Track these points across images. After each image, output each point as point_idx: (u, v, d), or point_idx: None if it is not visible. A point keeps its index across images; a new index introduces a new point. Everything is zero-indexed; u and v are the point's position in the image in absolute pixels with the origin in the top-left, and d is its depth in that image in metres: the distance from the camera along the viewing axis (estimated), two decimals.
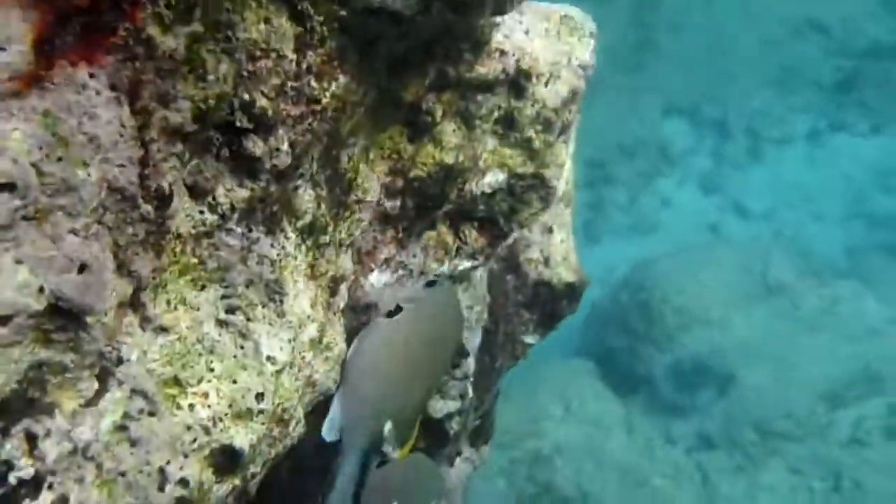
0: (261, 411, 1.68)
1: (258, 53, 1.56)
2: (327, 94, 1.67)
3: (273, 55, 1.58)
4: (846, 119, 13.35)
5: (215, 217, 1.62)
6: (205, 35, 1.47)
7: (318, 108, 1.66)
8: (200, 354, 1.63)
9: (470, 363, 2.44)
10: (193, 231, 1.60)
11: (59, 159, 1.34)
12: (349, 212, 1.88)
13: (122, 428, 1.53)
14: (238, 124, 1.57)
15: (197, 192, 1.59)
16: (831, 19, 14.06)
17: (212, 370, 1.64)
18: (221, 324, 1.65)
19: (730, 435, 8.51)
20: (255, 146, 1.59)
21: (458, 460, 2.92)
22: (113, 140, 1.40)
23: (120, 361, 1.53)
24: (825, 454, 8.42)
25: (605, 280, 10.52)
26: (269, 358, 1.69)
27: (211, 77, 1.50)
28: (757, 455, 8.40)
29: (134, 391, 1.54)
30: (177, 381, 1.60)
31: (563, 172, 2.48)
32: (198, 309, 1.63)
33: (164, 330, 1.59)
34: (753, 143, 13.24)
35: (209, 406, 1.62)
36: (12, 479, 1.40)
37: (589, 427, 8.40)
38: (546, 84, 2.09)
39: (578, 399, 8.60)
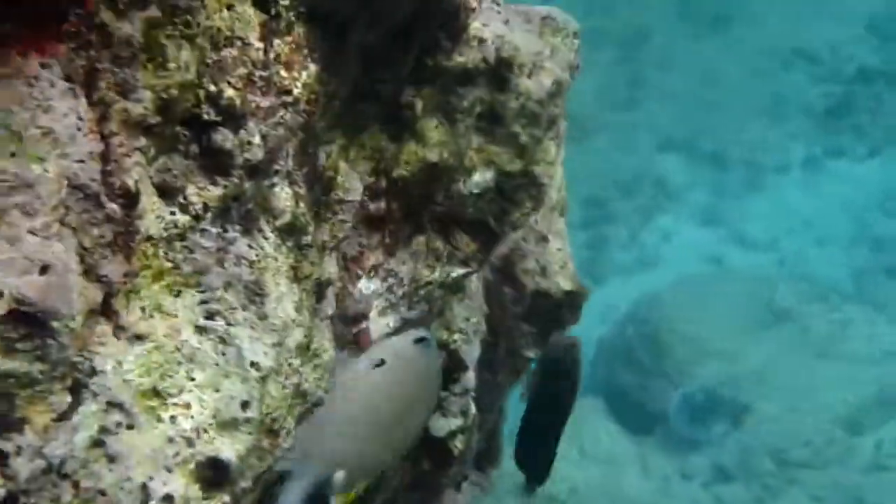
0: (247, 420, 1.58)
1: (222, 41, 1.50)
2: (298, 84, 1.60)
3: (238, 43, 1.52)
4: (842, 144, 13.36)
5: (187, 218, 1.54)
6: (162, 20, 1.41)
7: (290, 99, 1.59)
8: (180, 363, 1.54)
9: (470, 377, 2.34)
10: (165, 233, 1.52)
11: (13, 154, 1.27)
12: (331, 212, 1.81)
13: (98, 443, 1.44)
14: (205, 117, 1.50)
15: (166, 192, 1.52)
16: (818, 47, 14.13)
17: (192, 379, 1.55)
18: (200, 330, 1.57)
19: (747, 467, 8.37)
20: (225, 140, 1.52)
21: (464, 485, 2.81)
22: (70, 134, 1.33)
23: (93, 372, 1.44)
24: (846, 481, 8.27)
25: (609, 318, 10.43)
26: (252, 364, 1.60)
27: (172, 65, 1.43)
28: (776, 485, 8.26)
29: (110, 403, 1.45)
30: (156, 392, 1.51)
31: (555, 176, 2.41)
32: (175, 315, 1.54)
33: (139, 338, 1.50)
34: (751, 174, 13.22)
35: (192, 417, 1.53)
36: None
37: (603, 467, 8.26)
38: (529, 75, 2.02)
39: (591, 439, 8.47)
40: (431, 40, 1.83)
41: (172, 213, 1.53)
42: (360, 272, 1.94)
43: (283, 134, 1.60)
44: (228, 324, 1.59)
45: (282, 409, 1.66)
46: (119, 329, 1.48)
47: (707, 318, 9.25)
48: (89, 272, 1.41)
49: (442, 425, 2.32)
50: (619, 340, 9.47)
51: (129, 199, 1.45)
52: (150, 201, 1.49)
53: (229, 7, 1.50)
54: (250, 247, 1.61)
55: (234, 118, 1.52)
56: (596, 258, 11.53)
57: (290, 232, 1.68)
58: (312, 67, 1.62)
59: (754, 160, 13.32)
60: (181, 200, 1.54)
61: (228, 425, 1.57)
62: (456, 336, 2.31)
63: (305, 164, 1.70)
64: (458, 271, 2.13)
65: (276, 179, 1.63)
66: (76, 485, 1.41)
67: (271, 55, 1.56)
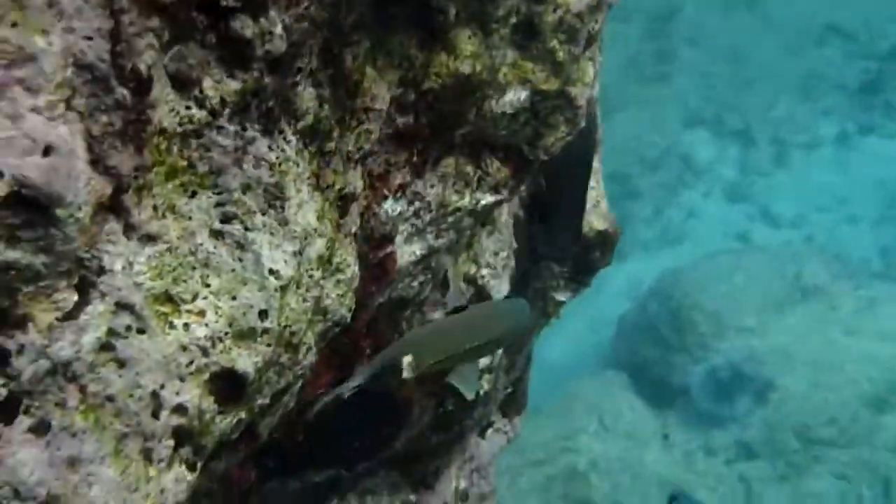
0: (265, 331, 1.49)
1: None
2: None
3: None
4: (874, 121, 13.14)
5: (204, 113, 1.44)
6: None
7: None
8: (194, 268, 1.44)
9: None
10: (180, 128, 1.42)
11: (14, 24, 1.17)
12: (356, 120, 1.70)
13: (107, 346, 1.34)
14: (223, 3, 1.39)
15: (181, 83, 1.41)
16: (853, 23, 13.91)
17: (208, 285, 1.45)
18: (216, 234, 1.47)
19: (771, 443, 8.25)
20: (245, 27, 1.41)
21: (489, 431, 2.71)
22: (76, 6, 1.23)
23: (102, 271, 1.34)
24: (872, 459, 8.14)
25: (633, 294, 10.32)
26: (271, 271, 1.50)
27: None
28: (800, 463, 8.14)
29: (119, 305, 1.35)
30: (168, 297, 1.41)
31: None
32: (189, 217, 1.44)
33: (151, 239, 1.40)
34: (778, 150, 13.05)
35: (206, 325, 1.44)
36: None
37: (625, 441, 8.16)
38: None
39: (613, 413, 8.37)
40: None
41: (188, 107, 1.42)
42: (386, 191, 1.83)
43: (307, 27, 1.49)
44: (246, 228, 1.49)
45: (301, 322, 1.56)
46: (130, 227, 1.38)
47: (732, 293, 9.13)
48: (97, 162, 1.31)
49: None
50: (642, 316, 9.35)
51: (141, 85, 1.35)
52: (163, 91, 1.39)
53: None
54: (270, 148, 1.51)
55: (254, 4, 1.41)
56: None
57: (312, 136, 1.58)
58: None
59: (783, 137, 13.14)
60: (197, 94, 1.43)
61: (245, 335, 1.47)
62: (484, 270, 2.20)
63: (330, 64, 1.60)
64: (488, 198, 2.03)
65: (298, 78, 1.52)
66: (83, 389, 1.31)
67: None
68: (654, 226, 12.15)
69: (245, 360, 1.46)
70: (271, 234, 1.51)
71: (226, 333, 1.45)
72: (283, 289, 1.51)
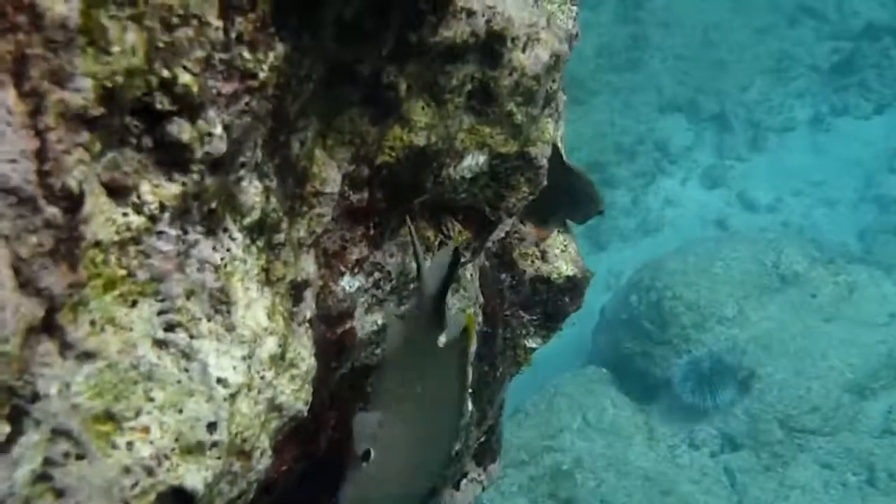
0: (214, 444, 1.42)
1: (175, 21, 1.32)
2: (265, 66, 1.42)
3: (194, 22, 1.33)
4: (848, 102, 13.14)
5: (142, 219, 1.36)
6: None
7: (255, 83, 1.41)
8: (136, 382, 1.37)
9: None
10: (117, 237, 1.34)
11: None
12: (307, 206, 1.63)
13: (43, 477, 1.27)
14: (158, 106, 1.32)
15: (117, 191, 1.34)
16: (824, 3, 13.87)
17: (151, 399, 1.38)
18: (160, 344, 1.40)
19: (755, 434, 8.26)
20: (182, 131, 1.34)
21: (463, 482, 2.66)
22: None
23: (36, 398, 1.27)
24: (857, 447, 8.17)
25: (614, 286, 10.29)
26: (219, 380, 1.43)
27: (116, 49, 1.25)
28: (785, 453, 8.16)
29: (56, 431, 1.28)
30: (110, 416, 1.34)
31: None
32: (130, 329, 1.37)
33: (89, 356, 1.33)
34: (754, 134, 13.04)
35: (151, 442, 1.37)
36: None
37: (609, 437, 8.15)
38: (524, 49, 1.83)
39: (595, 409, 8.35)
40: (414, 13, 1.64)
41: (125, 215, 1.35)
42: (343, 268, 1.77)
43: (248, 122, 1.42)
44: (191, 336, 1.42)
45: (254, 427, 1.50)
46: (65, 347, 1.31)
47: (711, 283, 9.11)
48: (27, 285, 1.24)
49: None
50: (622, 309, 9.32)
51: (72, 202, 1.27)
52: (97, 202, 1.32)
53: None
54: (215, 249, 1.44)
55: (191, 107, 1.34)
56: (598, 224, 11.36)
57: (260, 230, 1.51)
58: (280, 47, 1.43)
59: (759, 120, 13.14)
60: (134, 200, 1.36)
61: (193, 450, 1.40)
62: None
63: (276, 154, 1.53)
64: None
65: (242, 173, 1.46)
66: None
67: (233, 35, 1.38)
68: (633, 215, 12.10)
69: (194, 476, 1.40)
70: (218, 340, 1.44)
71: (172, 450, 1.38)
72: (233, 396, 1.45)
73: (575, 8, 2.13)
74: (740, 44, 13.52)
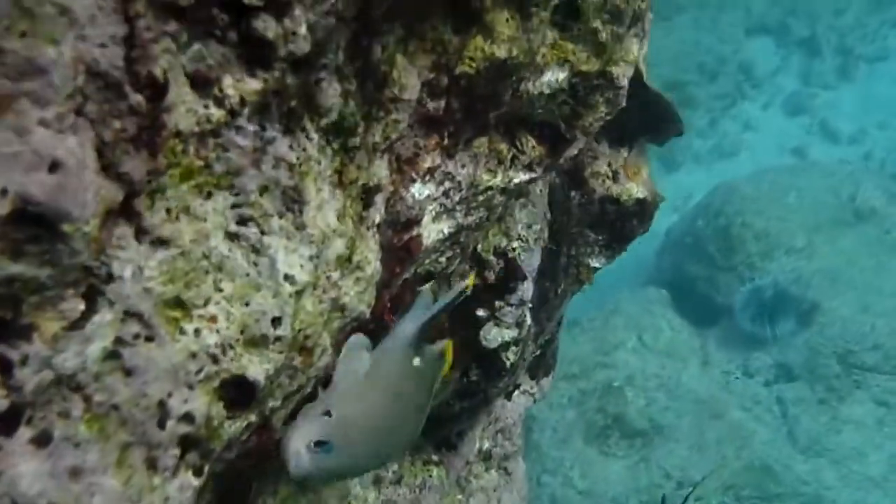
0: (278, 338, 1.46)
1: None
2: None
3: None
4: None
5: (222, 112, 1.38)
6: None
7: None
8: (207, 272, 1.41)
9: (527, 287, 2.19)
10: (197, 128, 1.37)
11: (23, 34, 1.12)
12: (384, 112, 1.63)
13: (114, 355, 1.32)
14: (246, 1, 1.33)
15: (199, 83, 1.36)
16: None
17: (220, 290, 1.42)
18: (231, 237, 1.43)
19: (812, 367, 8.18)
20: (267, 28, 1.35)
21: (516, 393, 2.70)
22: (89, 13, 1.18)
23: (111, 278, 1.31)
24: None
25: (681, 208, 10.17)
26: (287, 277, 1.46)
27: None
28: (841, 388, 8.08)
29: (127, 313, 1.33)
30: (179, 303, 1.38)
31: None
32: (204, 219, 1.40)
33: (163, 243, 1.36)
34: (844, 61, 12.62)
35: (218, 331, 1.41)
36: None
37: (663, 358, 8.14)
38: None
39: (652, 329, 8.33)
40: None
41: (206, 107, 1.37)
42: (414, 175, 1.78)
43: (333, 24, 1.42)
44: (262, 232, 1.45)
45: (317, 325, 1.53)
46: (141, 232, 1.35)
47: (783, 212, 8.96)
48: (109, 168, 1.27)
49: (494, 336, 2.19)
50: (689, 231, 9.22)
51: (157, 90, 1.30)
52: (180, 93, 1.34)
53: None
54: (291, 148, 1.46)
55: (278, 4, 1.35)
56: (672, 144, 11.18)
57: (336, 132, 1.52)
58: None
59: (850, 47, 12.70)
60: (216, 93, 1.38)
61: (257, 342, 1.44)
62: (515, 244, 2.15)
63: (358, 57, 1.53)
64: (521, 176, 1.96)
65: (323, 74, 1.46)
66: (88, 399, 1.30)
67: None
68: (709, 137, 11.90)
69: (256, 368, 1.44)
70: (288, 238, 1.47)
71: (237, 340, 1.42)
72: (299, 294, 1.48)
73: None
74: None
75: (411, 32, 1.64)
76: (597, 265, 2.59)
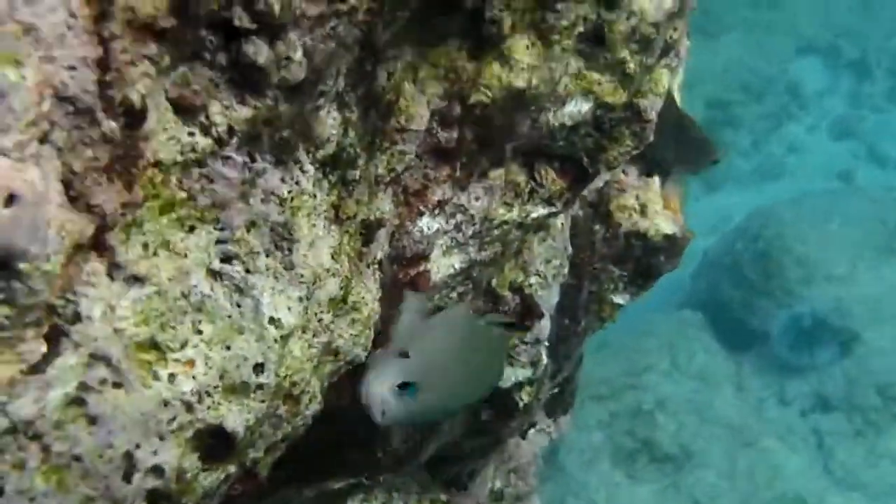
0: (260, 386, 1.35)
1: None
2: None
3: None
4: None
5: (209, 141, 1.28)
6: None
7: (345, 7, 1.30)
8: (186, 312, 1.30)
9: (544, 325, 2.08)
10: (180, 158, 1.27)
11: None
12: (388, 142, 1.53)
13: (77, 401, 1.22)
14: (237, 23, 1.22)
15: (185, 109, 1.26)
16: None
17: (199, 332, 1.31)
18: (214, 275, 1.32)
19: (850, 398, 7.99)
20: (258, 53, 1.25)
21: (531, 432, 2.58)
22: (58, 33, 1.08)
23: (77, 318, 1.21)
24: None
25: (720, 228, 9.99)
26: (272, 320, 1.35)
27: None
28: (879, 420, 7.89)
29: (94, 356, 1.22)
30: (154, 345, 1.28)
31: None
32: (184, 255, 1.30)
33: (138, 280, 1.26)
34: (895, 84, 12.35)
35: (194, 377, 1.30)
36: None
37: (695, 382, 7.98)
38: None
39: (685, 352, 8.16)
40: None
41: (191, 135, 1.27)
42: (422, 208, 1.66)
43: (333, 49, 1.31)
44: (248, 270, 1.34)
45: (304, 370, 1.42)
46: (114, 268, 1.24)
47: (825, 238, 8.75)
48: (78, 200, 1.17)
49: (508, 375, 2.07)
50: (727, 253, 9.03)
51: (134, 117, 1.20)
52: (162, 119, 1.23)
53: None
54: (283, 181, 1.35)
55: (271, 27, 1.24)
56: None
57: (334, 164, 1.41)
58: None
59: None
60: (202, 120, 1.27)
61: (238, 390, 1.33)
62: (532, 279, 2.03)
63: (360, 84, 1.42)
64: (539, 211, 1.84)
65: (320, 102, 1.35)
66: (46, 449, 1.19)
67: None
68: (752, 158, 11.67)
69: (235, 417, 1.33)
70: (275, 277, 1.36)
71: (215, 387, 1.32)
72: (285, 338, 1.37)
73: None
74: None
75: (422, 58, 1.53)
76: (620, 301, 2.46)
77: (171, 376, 1.29)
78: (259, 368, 1.34)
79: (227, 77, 1.27)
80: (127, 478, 1.25)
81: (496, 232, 1.81)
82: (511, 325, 1.95)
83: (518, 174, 1.81)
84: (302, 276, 1.38)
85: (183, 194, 1.29)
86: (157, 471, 1.27)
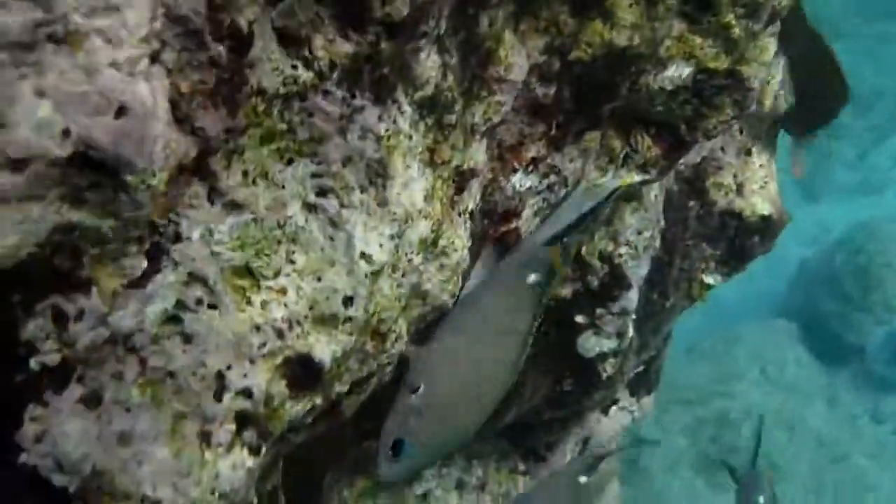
0: (348, 318, 1.37)
1: None
2: None
3: None
4: None
5: (311, 74, 1.31)
6: None
7: None
8: (280, 242, 1.33)
9: (632, 297, 2.06)
10: (283, 89, 1.29)
11: None
12: (486, 91, 1.54)
13: (174, 319, 1.25)
14: None
15: (289, 40, 1.28)
16: None
17: (292, 262, 1.34)
18: (309, 207, 1.35)
19: None
20: None
21: (613, 409, 2.56)
22: None
23: (178, 238, 1.25)
24: None
25: (820, 240, 9.78)
26: (363, 255, 1.37)
27: None
28: None
29: (192, 276, 1.26)
30: (248, 271, 1.31)
31: (770, 77, 2.05)
32: (282, 186, 1.33)
33: (237, 206, 1.29)
34: None
35: (286, 305, 1.33)
36: (34, 364, 1.15)
37: (786, 393, 7.80)
38: None
39: (777, 363, 7.99)
40: None
41: (294, 67, 1.30)
42: (516, 164, 1.67)
43: None
44: (342, 205, 1.36)
45: (393, 309, 1.44)
46: (215, 192, 1.28)
47: None
48: (183, 122, 1.20)
49: (592, 345, 2.06)
50: (825, 265, 8.84)
51: (240, 42, 1.23)
52: (267, 49, 1.26)
53: None
54: (380, 119, 1.37)
55: None
56: (815, 174, 10.77)
57: (431, 107, 1.43)
58: None
59: None
60: (305, 53, 1.30)
61: (327, 321, 1.36)
62: (622, 249, 2.02)
63: (461, 28, 1.43)
64: (633, 177, 1.84)
65: (421, 43, 1.37)
66: (143, 362, 1.23)
67: None
68: (856, 170, 11.41)
69: (323, 348, 1.36)
70: (368, 214, 1.38)
71: (305, 317, 1.34)
72: (375, 274, 1.39)
73: None
74: None
75: (524, 9, 1.54)
76: (711, 282, 2.43)
77: (264, 303, 1.32)
78: (349, 301, 1.37)
79: (331, 12, 1.29)
80: (218, 397, 1.28)
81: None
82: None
83: (614, 138, 1.81)
84: (395, 213, 1.40)
85: (283, 126, 1.32)
86: (246, 393, 1.30)
